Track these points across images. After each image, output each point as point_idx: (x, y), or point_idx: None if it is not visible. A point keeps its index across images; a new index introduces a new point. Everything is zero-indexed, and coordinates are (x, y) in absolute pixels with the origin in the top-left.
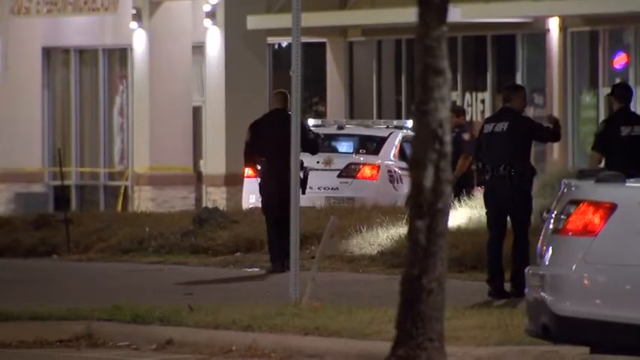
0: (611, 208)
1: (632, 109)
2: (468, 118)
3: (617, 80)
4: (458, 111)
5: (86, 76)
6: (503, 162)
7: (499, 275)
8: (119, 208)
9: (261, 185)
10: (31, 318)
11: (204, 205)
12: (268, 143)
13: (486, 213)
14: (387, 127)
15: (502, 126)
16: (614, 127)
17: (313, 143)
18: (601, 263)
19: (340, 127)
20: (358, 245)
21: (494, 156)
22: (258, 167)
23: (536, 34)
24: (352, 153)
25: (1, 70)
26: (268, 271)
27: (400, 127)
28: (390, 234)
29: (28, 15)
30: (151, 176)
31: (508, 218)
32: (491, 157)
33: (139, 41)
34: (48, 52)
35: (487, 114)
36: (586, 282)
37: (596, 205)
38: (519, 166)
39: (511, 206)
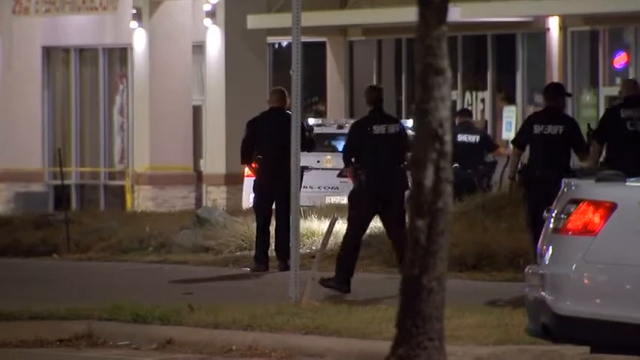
0: (611, 207)
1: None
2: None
3: (618, 80)
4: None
5: (86, 76)
6: None
7: None
8: (129, 205)
9: (255, 182)
10: (32, 317)
11: (204, 204)
12: (265, 141)
13: None
14: None
15: None
16: (530, 124)
17: (309, 141)
18: (601, 263)
19: (340, 127)
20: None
21: None
22: (253, 165)
23: (537, 34)
24: None
25: (2, 69)
26: (252, 270)
27: None
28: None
29: (27, 14)
30: (151, 176)
31: None
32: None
33: (139, 40)
34: (48, 52)
35: (487, 113)
36: (586, 281)
37: (597, 204)
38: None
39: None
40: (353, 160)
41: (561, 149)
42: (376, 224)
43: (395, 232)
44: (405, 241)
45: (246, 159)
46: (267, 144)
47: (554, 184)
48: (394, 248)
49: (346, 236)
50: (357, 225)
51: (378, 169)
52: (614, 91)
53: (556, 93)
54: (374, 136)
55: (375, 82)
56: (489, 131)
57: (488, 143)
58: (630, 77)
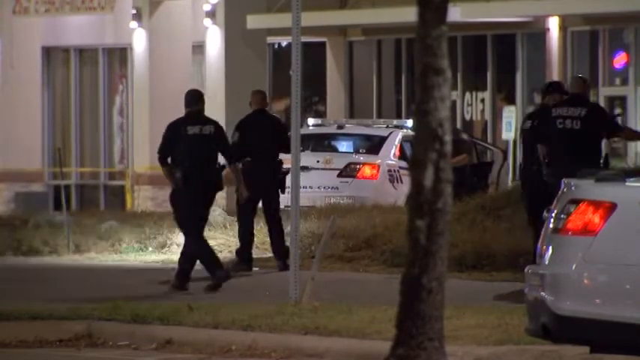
0: (611, 207)
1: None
2: (468, 117)
3: (617, 80)
4: None
5: (86, 76)
6: None
7: None
8: (129, 205)
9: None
10: (32, 317)
11: None
12: (254, 144)
13: None
14: (387, 126)
15: None
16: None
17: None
18: (601, 263)
19: (340, 127)
20: (358, 245)
21: None
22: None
23: (537, 34)
24: (352, 152)
25: (2, 69)
26: (233, 270)
27: (400, 127)
28: (390, 233)
29: (27, 14)
30: (150, 176)
31: None
32: None
33: (139, 41)
34: (48, 52)
35: (487, 113)
36: (586, 281)
37: (596, 204)
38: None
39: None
40: (169, 160)
41: (532, 146)
42: (381, 222)
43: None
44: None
45: (235, 162)
46: (255, 147)
47: (529, 182)
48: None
49: (193, 244)
50: (192, 226)
51: (193, 168)
52: (615, 91)
53: (544, 91)
54: (188, 137)
55: (375, 82)
56: (489, 131)
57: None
58: (579, 75)
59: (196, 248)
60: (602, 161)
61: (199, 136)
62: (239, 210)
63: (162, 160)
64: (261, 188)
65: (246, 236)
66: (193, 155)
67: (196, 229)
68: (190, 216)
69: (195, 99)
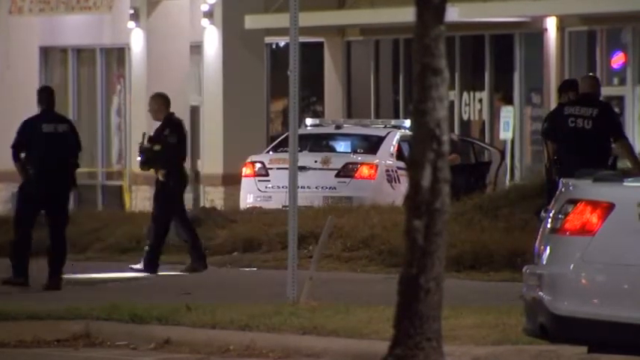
0: (609, 207)
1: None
2: (465, 117)
3: (615, 80)
4: None
5: (84, 76)
6: None
7: None
8: (126, 205)
9: (177, 188)
10: (30, 317)
11: (201, 204)
12: (182, 146)
13: None
14: (385, 126)
15: None
16: None
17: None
18: (599, 263)
19: (338, 127)
20: (355, 245)
21: None
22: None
23: (534, 34)
24: (350, 152)
25: (0, 70)
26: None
27: (398, 127)
28: (388, 233)
29: (21, 14)
30: (148, 176)
31: None
32: None
33: (137, 41)
34: (46, 52)
35: (485, 113)
36: (584, 281)
37: (594, 204)
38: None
39: None
40: (22, 155)
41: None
42: (379, 222)
43: (54, 232)
44: (60, 244)
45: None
46: (182, 147)
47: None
48: (49, 250)
49: (15, 233)
50: (22, 222)
51: (47, 166)
52: (613, 91)
53: (559, 90)
54: (43, 135)
55: (372, 82)
56: (487, 131)
57: None
58: (590, 74)
59: (16, 244)
60: (610, 162)
61: (54, 134)
62: (166, 210)
63: (15, 155)
64: (182, 191)
65: (162, 234)
66: (48, 153)
67: (30, 224)
68: (29, 211)
69: (49, 97)
